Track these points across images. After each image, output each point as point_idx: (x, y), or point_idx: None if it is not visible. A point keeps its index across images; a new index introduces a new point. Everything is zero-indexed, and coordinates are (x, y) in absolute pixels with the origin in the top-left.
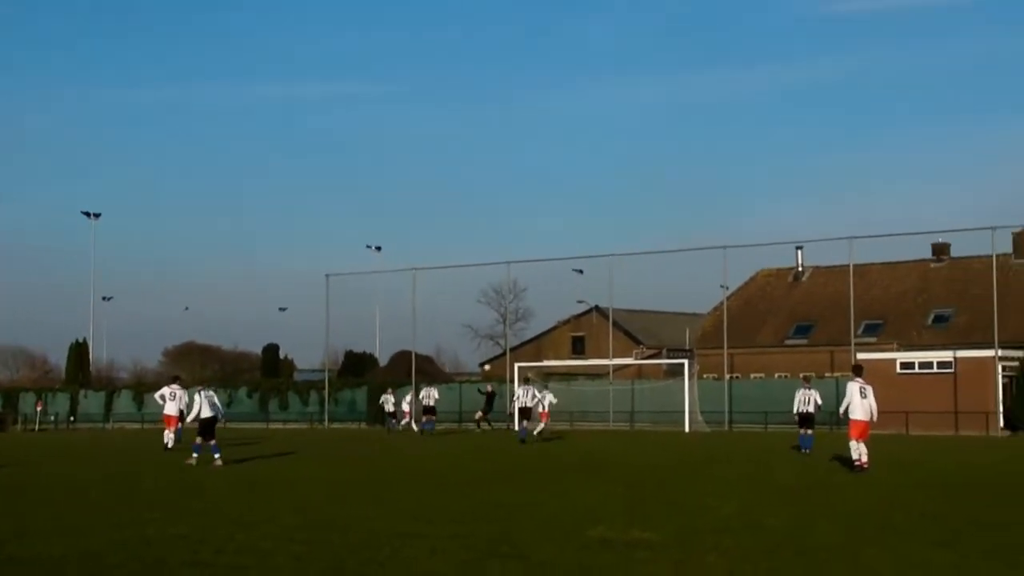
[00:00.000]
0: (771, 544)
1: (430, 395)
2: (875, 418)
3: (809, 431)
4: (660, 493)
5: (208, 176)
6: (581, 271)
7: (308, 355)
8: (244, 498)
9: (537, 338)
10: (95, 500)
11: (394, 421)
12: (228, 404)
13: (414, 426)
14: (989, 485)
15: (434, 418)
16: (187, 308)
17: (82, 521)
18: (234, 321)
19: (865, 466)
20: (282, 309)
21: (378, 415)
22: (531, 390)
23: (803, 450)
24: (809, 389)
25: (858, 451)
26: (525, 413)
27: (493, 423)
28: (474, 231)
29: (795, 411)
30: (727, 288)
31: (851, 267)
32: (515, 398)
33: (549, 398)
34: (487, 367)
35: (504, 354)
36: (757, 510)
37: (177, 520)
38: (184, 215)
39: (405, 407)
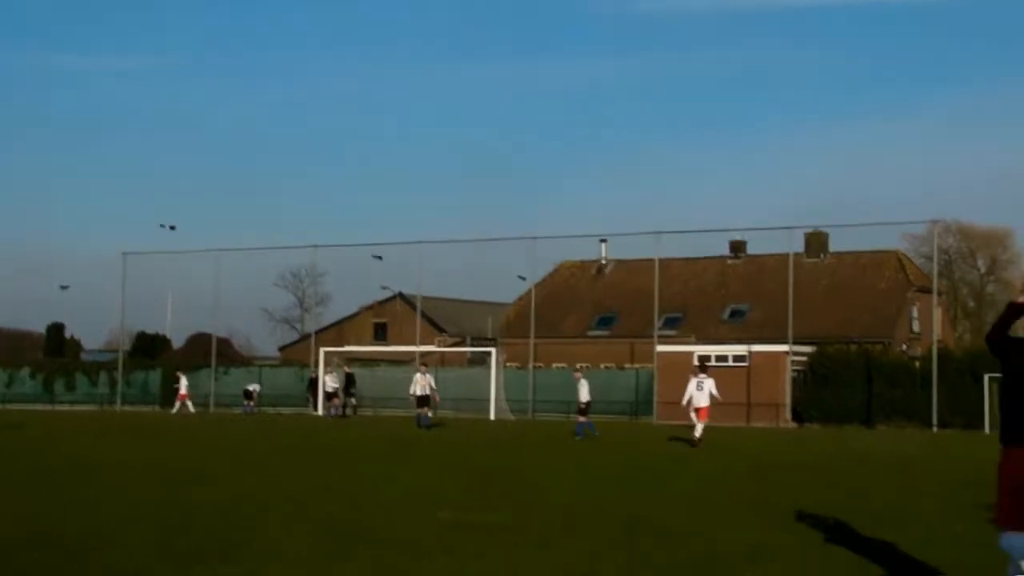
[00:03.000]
0: (623, 527)
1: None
2: (718, 400)
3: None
4: (491, 477)
5: None
6: (380, 257)
7: (94, 335)
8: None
9: (339, 323)
10: None
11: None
12: (8, 385)
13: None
14: (798, 470)
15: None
16: None
17: None
18: (11, 299)
19: (697, 443)
20: (63, 287)
21: (312, 396)
22: (429, 377)
23: (576, 437)
24: (582, 380)
25: (699, 430)
26: (424, 401)
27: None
28: (271, 213)
29: (580, 400)
30: (525, 279)
31: (657, 261)
32: (413, 384)
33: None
34: (285, 351)
35: (303, 339)
36: (593, 494)
37: None
38: None
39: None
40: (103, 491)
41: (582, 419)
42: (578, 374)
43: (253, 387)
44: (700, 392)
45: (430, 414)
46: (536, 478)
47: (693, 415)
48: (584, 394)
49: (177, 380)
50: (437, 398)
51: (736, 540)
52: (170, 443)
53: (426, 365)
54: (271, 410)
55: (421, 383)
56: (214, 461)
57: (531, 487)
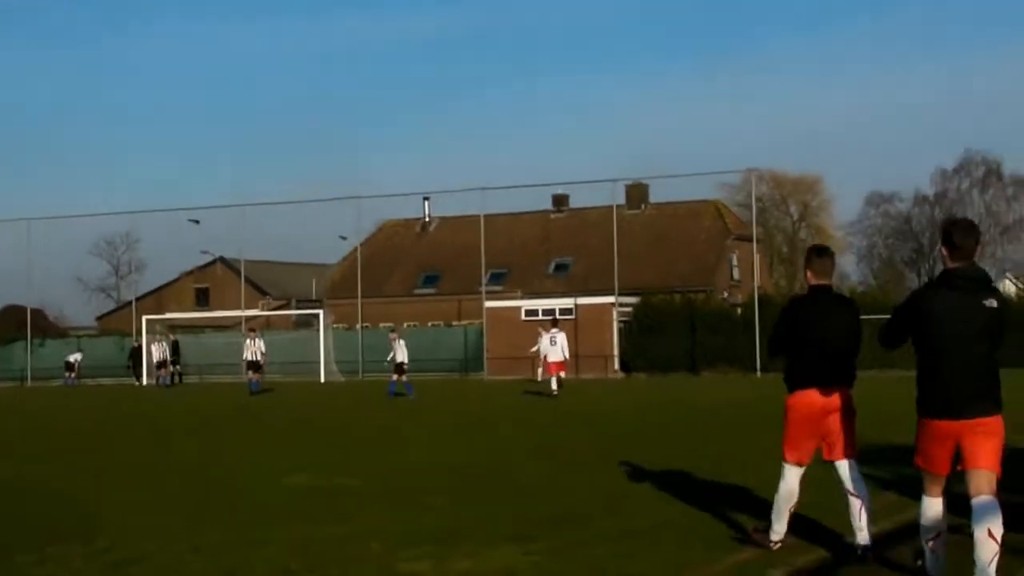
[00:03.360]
0: (477, 483)
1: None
2: (567, 357)
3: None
4: (333, 440)
5: None
6: (197, 221)
7: None
8: None
9: (158, 290)
10: None
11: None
12: None
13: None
14: (633, 420)
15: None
16: None
17: None
18: None
19: (555, 393)
20: None
21: (135, 366)
22: (259, 341)
23: (389, 396)
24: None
25: (556, 383)
26: (254, 366)
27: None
28: (76, 179)
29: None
30: (347, 239)
31: (482, 218)
32: (244, 349)
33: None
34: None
35: (122, 307)
36: (438, 452)
37: None
38: None
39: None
40: None
41: (395, 377)
42: (393, 334)
43: (74, 357)
44: (553, 347)
45: (259, 379)
46: (379, 439)
47: (541, 369)
48: (400, 354)
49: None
50: (265, 363)
51: (591, 492)
52: None
53: (254, 330)
54: (91, 382)
55: (251, 348)
56: (43, 436)
57: (376, 448)
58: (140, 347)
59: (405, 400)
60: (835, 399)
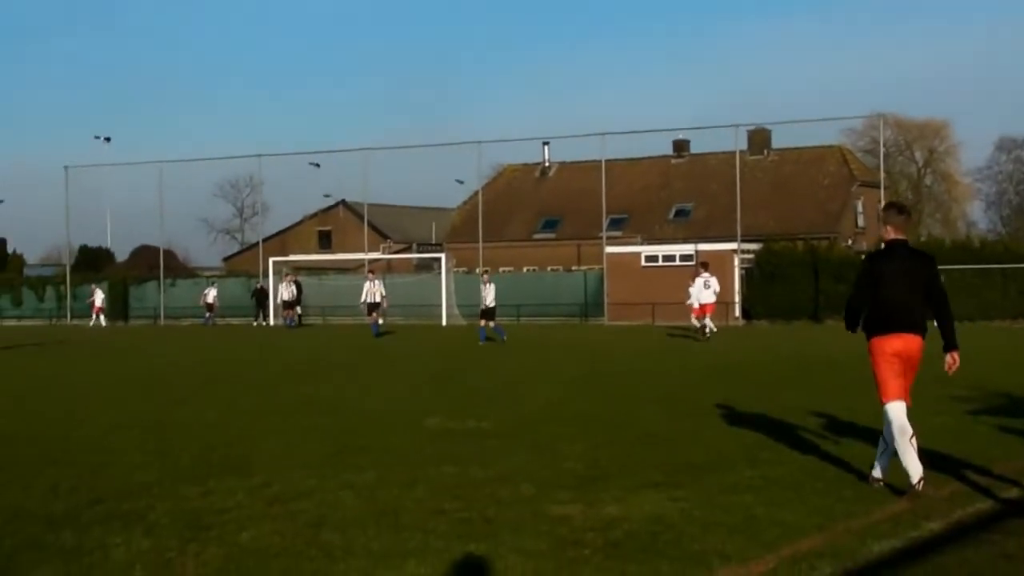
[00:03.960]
0: (610, 430)
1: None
2: (716, 296)
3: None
4: (463, 384)
5: None
6: (318, 165)
7: (32, 250)
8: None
9: (281, 232)
10: None
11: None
12: None
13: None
14: (761, 369)
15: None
16: None
17: None
18: None
19: (708, 336)
20: None
21: (259, 306)
22: (378, 284)
23: (480, 342)
24: (489, 284)
25: (706, 324)
26: (374, 308)
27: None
28: (204, 123)
29: (486, 303)
30: (463, 182)
31: (603, 163)
32: (363, 292)
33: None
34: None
35: (247, 249)
36: (567, 397)
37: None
38: None
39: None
40: (93, 408)
41: (482, 323)
42: (485, 277)
43: (212, 295)
44: (707, 290)
45: (380, 321)
46: (505, 383)
47: (695, 316)
48: (490, 298)
49: (92, 292)
50: (387, 305)
51: (729, 440)
52: (138, 358)
53: (374, 272)
54: (221, 321)
55: (371, 291)
56: (184, 375)
57: (502, 393)
58: (263, 288)
59: (480, 345)
60: (907, 345)
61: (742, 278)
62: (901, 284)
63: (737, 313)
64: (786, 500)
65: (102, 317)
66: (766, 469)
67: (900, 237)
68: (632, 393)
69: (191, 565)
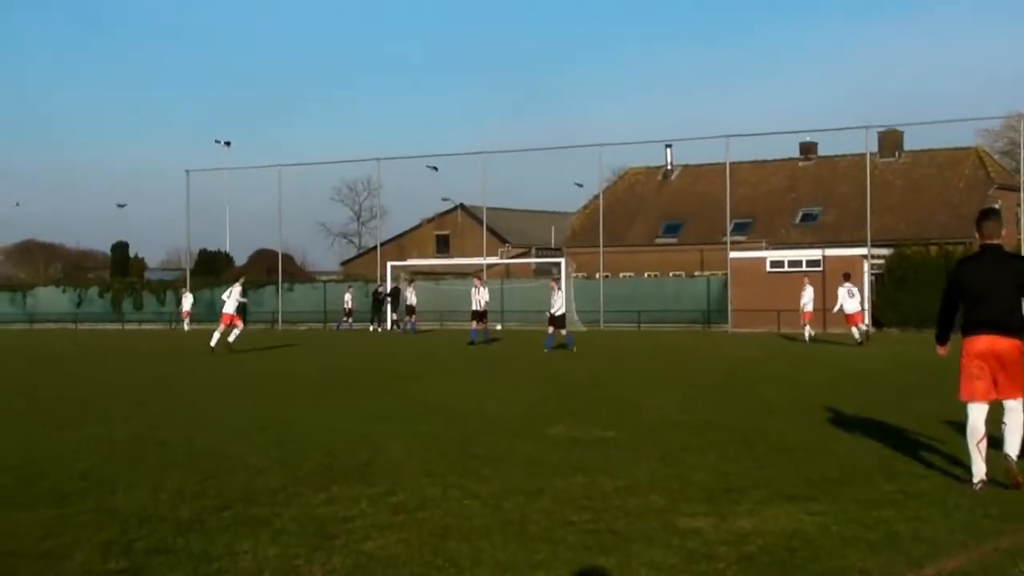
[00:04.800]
0: (738, 441)
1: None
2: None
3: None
4: (587, 392)
5: (23, 59)
6: (436, 168)
7: (152, 253)
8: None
9: (399, 237)
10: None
11: (347, 320)
12: (78, 304)
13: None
14: (891, 376)
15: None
16: (18, 204)
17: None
18: (70, 216)
19: (861, 342)
20: (120, 206)
21: (376, 311)
22: (483, 291)
23: (545, 350)
24: (558, 290)
25: (858, 332)
26: (478, 315)
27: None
28: (322, 126)
29: (553, 311)
30: (583, 186)
31: (727, 165)
32: (474, 300)
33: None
34: (346, 266)
35: (364, 253)
36: (691, 406)
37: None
38: None
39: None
40: (215, 412)
41: (552, 331)
42: (553, 283)
43: (348, 299)
44: (852, 299)
45: (475, 327)
46: (627, 391)
47: (853, 328)
48: (558, 305)
49: (180, 298)
50: (486, 310)
51: (864, 452)
52: (258, 363)
53: (480, 278)
54: (333, 326)
55: (477, 298)
56: (304, 380)
57: (627, 401)
58: (381, 292)
59: (545, 354)
60: (992, 346)
61: (872, 284)
62: (989, 286)
63: (867, 320)
64: (928, 515)
65: (185, 322)
66: (905, 482)
67: (992, 242)
68: (759, 402)
69: (319, 573)
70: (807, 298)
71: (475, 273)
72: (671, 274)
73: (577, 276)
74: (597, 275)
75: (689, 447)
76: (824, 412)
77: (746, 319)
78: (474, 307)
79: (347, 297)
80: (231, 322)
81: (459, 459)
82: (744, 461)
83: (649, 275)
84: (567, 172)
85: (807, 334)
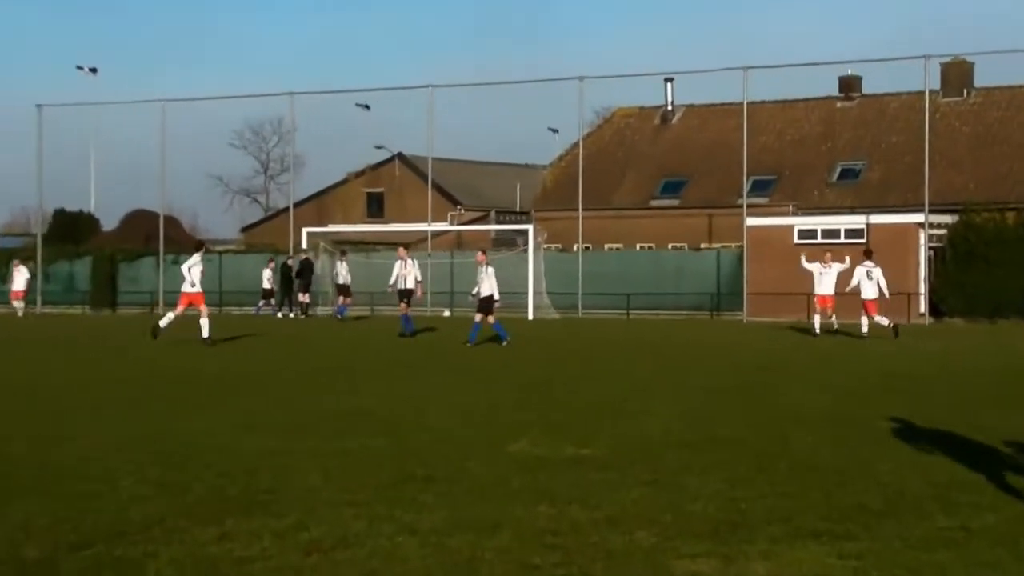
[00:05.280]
0: (752, 461)
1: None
2: (887, 296)
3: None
4: (558, 397)
5: None
6: (367, 107)
7: None
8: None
9: (319, 195)
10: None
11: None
12: None
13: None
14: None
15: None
16: None
17: None
18: None
19: (866, 336)
20: None
21: (286, 291)
22: (411, 265)
23: (468, 343)
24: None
25: (867, 323)
26: (405, 295)
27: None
28: (219, 51)
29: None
30: (558, 132)
31: (745, 105)
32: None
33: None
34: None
35: (272, 216)
36: (692, 416)
37: None
38: None
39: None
40: (77, 422)
41: (481, 318)
42: (483, 257)
43: (268, 278)
44: (870, 282)
45: (405, 311)
46: (609, 396)
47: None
48: (488, 286)
49: (12, 274)
50: (421, 292)
51: (914, 477)
52: (136, 358)
53: (407, 248)
54: (236, 310)
55: (401, 274)
56: (194, 382)
57: (612, 409)
58: (293, 266)
59: (468, 347)
60: None
61: (930, 261)
62: None
63: (922, 308)
64: (996, 559)
65: (17, 304)
66: (967, 516)
67: None
68: (783, 411)
69: None
70: (830, 279)
71: (405, 246)
72: (670, 246)
73: (549, 248)
74: (575, 247)
75: (689, 468)
76: (866, 425)
77: (766, 305)
78: (399, 286)
79: (266, 274)
80: (190, 303)
81: (391, 483)
82: (759, 486)
83: (642, 247)
84: (538, 114)
85: (828, 323)
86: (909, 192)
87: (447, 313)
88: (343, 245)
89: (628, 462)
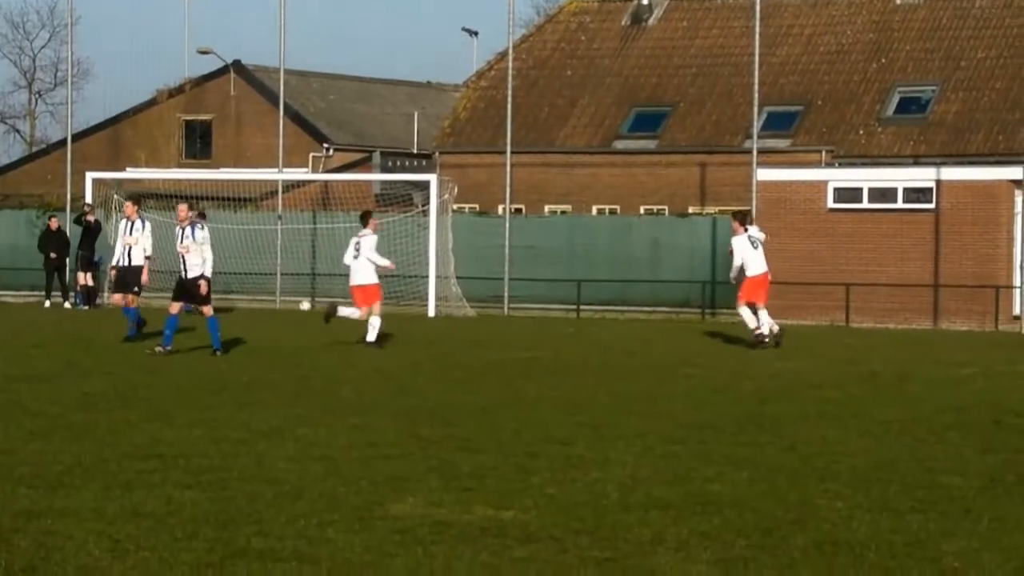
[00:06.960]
0: (758, 533)
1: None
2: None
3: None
4: (469, 433)
5: None
6: None
7: None
8: None
9: (111, 123)
10: None
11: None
12: None
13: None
14: None
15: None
16: None
17: None
18: None
19: (765, 339)
20: None
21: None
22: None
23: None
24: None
25: (757, 320)
26: (126, 279)
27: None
28: None
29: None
30: (477, 34)
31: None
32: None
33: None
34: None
35: (38, 154)
36: (668, 464)
37: None
38: None
39: None
40: None
41: (178, 308)
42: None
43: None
44: (757, 251)
45: (175, 309)
46: (544, 434)
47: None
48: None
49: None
50: (147, 275)
51: (992, 562)
52: None
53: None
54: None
55: (124, 242)
56: None
57: (548, 451)
58: (61, 230)
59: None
60: None
61: None
62: None
63: (1016, 307)
64: None
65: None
66: None
67: None
68: (802, 459)
69: None
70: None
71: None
72: (643, 210)
73: (461, 210)
74: (500, 208)
75: (661, 541)
76: (929, 482)
77: (785, 298)
78: (122, 263)
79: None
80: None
81: (211, 560)
82: (766, 572)
83: (601, 211)
84: (448, 8)
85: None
86: (1001, 134)
87: (306, 306)
88: (135, 197)
89: (571, 532)
